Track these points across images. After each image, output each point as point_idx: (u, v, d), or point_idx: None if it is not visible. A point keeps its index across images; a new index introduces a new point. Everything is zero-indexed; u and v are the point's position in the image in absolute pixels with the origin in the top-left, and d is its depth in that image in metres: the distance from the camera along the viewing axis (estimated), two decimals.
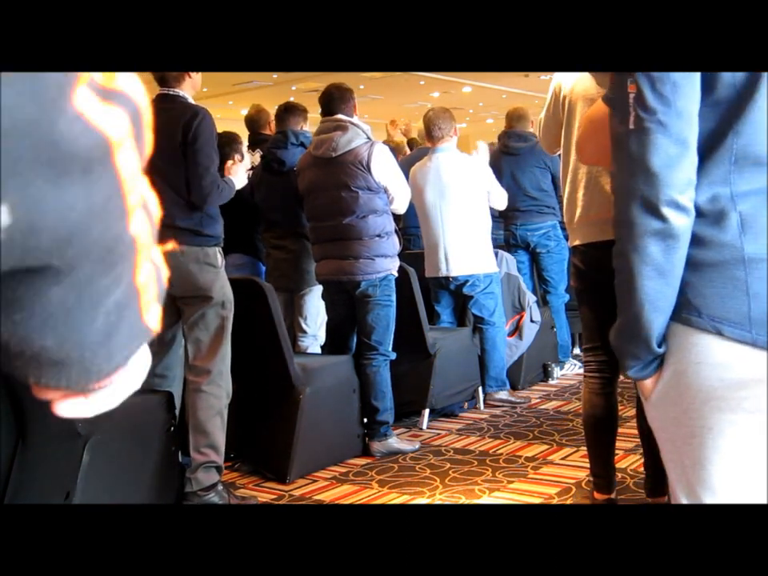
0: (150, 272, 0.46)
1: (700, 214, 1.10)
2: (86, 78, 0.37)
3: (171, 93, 2.92)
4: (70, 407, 0.53)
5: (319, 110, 3.74)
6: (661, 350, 1.14)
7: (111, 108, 0.38)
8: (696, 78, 1.07)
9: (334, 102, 3.61)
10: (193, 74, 2.98)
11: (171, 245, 0.51)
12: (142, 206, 0.44)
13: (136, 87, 0.40)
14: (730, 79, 1.07)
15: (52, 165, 0.35)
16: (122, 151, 0.39)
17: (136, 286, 0.45)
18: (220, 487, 2.93)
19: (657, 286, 1.10)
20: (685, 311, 1.12)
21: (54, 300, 0.39)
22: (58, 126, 0.35)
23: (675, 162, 1.06)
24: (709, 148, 1.09)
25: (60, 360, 0.42)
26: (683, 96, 1.06)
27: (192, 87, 2.98)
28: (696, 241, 1.10)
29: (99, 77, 0.39)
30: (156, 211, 0.47)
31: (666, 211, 1.07)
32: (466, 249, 4.28)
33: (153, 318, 0.48)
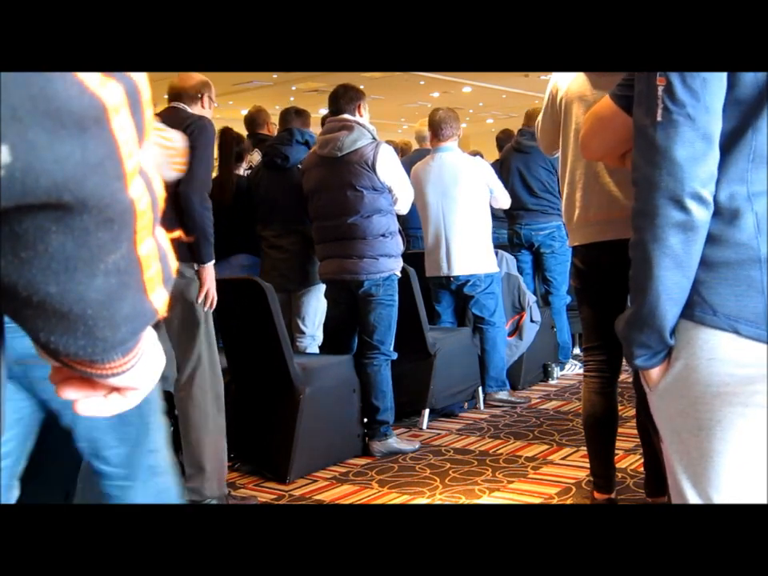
0: (152, 248, 0.50)
1: (716, 212, 1.11)
2: None
3: (181, 107, 2.89)
4: (89, 406, 0.56)
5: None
6: (672, 342, 1.16)
7: (110, 81, 0.43)
8: (723, 75, 1.08)
9: (340, 101, 3.62)
10: (207, 103, 2.93)
11: (179, 232, 0.54)
12: (145, 181, 0.48)
13: None
14: (752, 78, 1.08)
15: (49, 116, 0.39)
16: (118, 118, 0.43)
17: (137, 256, 0.48)
18: (220, 496, 2.91)
19: (674, 278, 1.11)
20: (698, 309, 1.13)
21: (55, 243, 0.44)
22: (54, 84, 0.40)
23: (700, 155, 1.08)
24: (729, 145, 1.11)
25: (64, 313, 0.46)
26: (711, 92, 1.08)
27: (200, 113, 2.90)
28: (711, 239, 1.11)
29: None
30: (160, 190, 0.50)
31: (689, 203, 1.08)
32: (468, 248, 4.28)
33: (159, 300, 0.51)
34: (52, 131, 0.40)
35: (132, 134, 0.45)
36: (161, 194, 0.50)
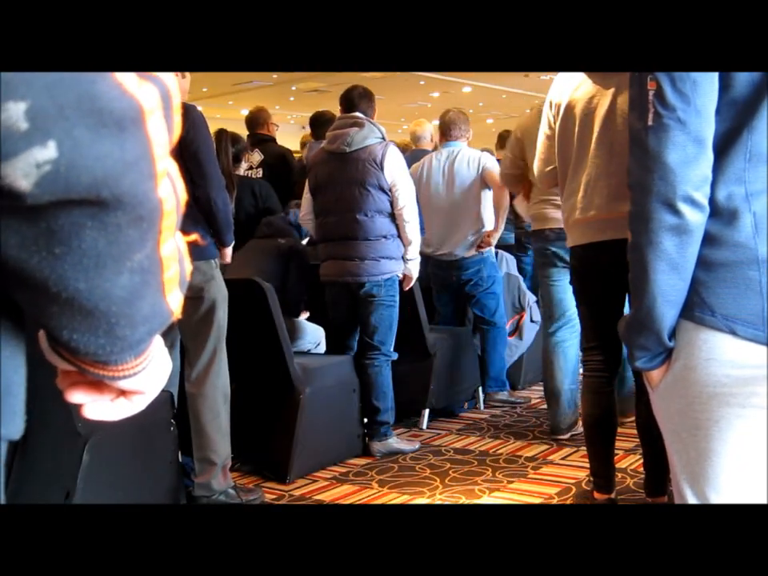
0: (173, 249, 0.52)
1: (714, 212, 1.11)
2: None
3: None
4: (96, 410, 0.57)
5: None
6: (671, 344, 1.16)
7: (145, 84, 0.45)
8: (714, 76, 1.08)
9: (355, 99, 3.63)
10: (182, 76, 2.87)
11: (195, 235, 0.55)
12: (170, 180, 0.49)
13: (168, 74, 0.49)
14: (747, 77, 1.08)
15: (92, 116, 0.42)
16: (152, 120, 0.45)
17: (160, 256, 0.50)
18: (228, 489, 2.93)
19: (670, 281, 1.11)
20: (697, 310, 1.13)
21: (89, 239, 0.45)
22: (98, 86, 0.42)
23: (692, 159, 1.07)
24: (724, 146, 1.10)
25: (90, 310, 0.48)
26: (702, 94, 1.07)
27: (180, 90, 2.88)
28: (709, 240, 1.11)
29: None
30: (182, 194, 0.52)
31: (682, 207, 1.08)
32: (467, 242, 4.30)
33: (174, 302, 0.52)
34: (94, 130, 0.42)
35: (164, 136, 0.47)
36: (183, 198, 0.52)
